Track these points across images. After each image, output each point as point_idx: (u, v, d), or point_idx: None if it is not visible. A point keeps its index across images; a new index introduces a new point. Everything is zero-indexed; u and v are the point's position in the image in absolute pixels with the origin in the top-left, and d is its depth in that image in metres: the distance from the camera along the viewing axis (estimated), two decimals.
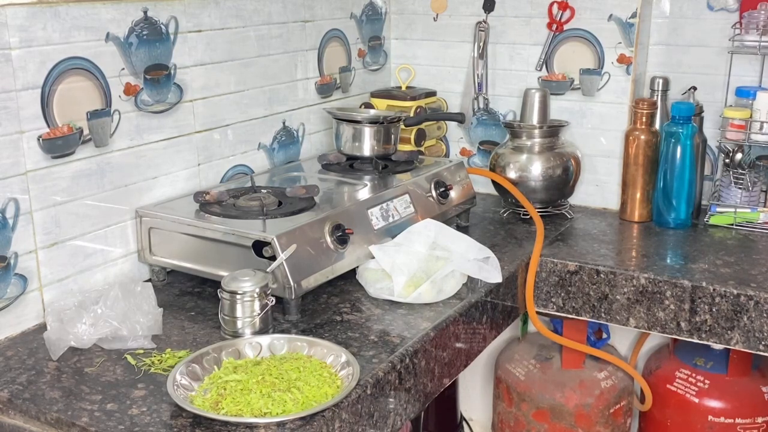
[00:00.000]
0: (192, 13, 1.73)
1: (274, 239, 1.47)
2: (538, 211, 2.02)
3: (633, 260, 1.84)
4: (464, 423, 2.51)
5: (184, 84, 1.74)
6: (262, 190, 1.74)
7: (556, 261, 1.84)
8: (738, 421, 2.02)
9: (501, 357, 2.31)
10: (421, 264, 1.61)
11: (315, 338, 1.38)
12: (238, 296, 1.40)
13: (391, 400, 1.35)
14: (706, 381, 2.05)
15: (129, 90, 1.61)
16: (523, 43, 2.24)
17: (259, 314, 1.41)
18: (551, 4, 2.17)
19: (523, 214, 2.10)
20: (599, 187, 2.23)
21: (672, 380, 2.10)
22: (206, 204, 1.64)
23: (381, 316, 1.52)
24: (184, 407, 1.18)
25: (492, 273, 1.67)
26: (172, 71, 1.71)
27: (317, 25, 2.11)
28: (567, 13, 2.16)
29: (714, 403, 2.03)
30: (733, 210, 2.02)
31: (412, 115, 2.19)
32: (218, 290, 1.43)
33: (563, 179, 2.08)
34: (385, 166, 1.95)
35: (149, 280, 1.67)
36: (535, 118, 2.10)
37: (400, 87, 2.34)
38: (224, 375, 1.25)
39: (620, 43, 2.11)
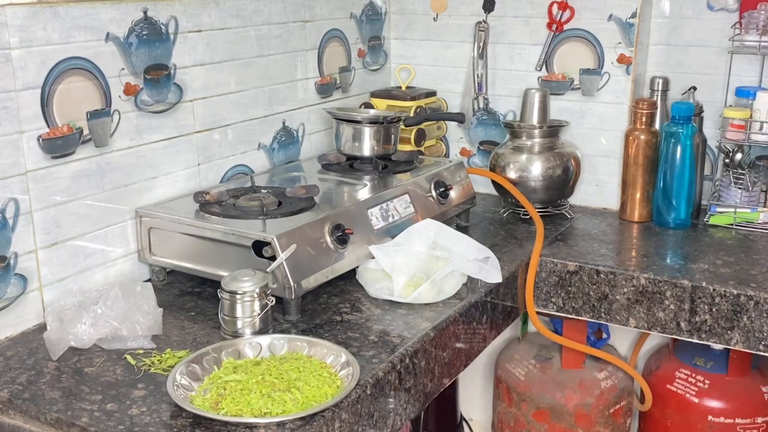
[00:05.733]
0: (192, 13, 1.73)
1: (274, 239, 1.47)
2: (538, 211, 2.02)
3: (633, 260, 1.84)
4: (464, 423, 2.51)
5: (184, 84, 1.74)
6: (262, 190, 1.74)
7: (556, 261, 1.84)
8: (738, 421, 2.02)
9: (501, 357, 2.31)
10: (421, 264, 1.61)
11: (315, 338, 1.38)
12: (238, 296, 1.40)
13: (391, 400, 1.35)
14: (706, 381, 2.05)
15: (129, 90, 1.61)
16: (523, 43, 2.24)
17: (259, 314, 1.41)
18: (551, 4, 2.17)
19: (523, 214, 2.10)
20: (599, 187, 2.23)
21: (672, 380, 2.10)
22: (206, 204, 1.64)
23: (381, 316, 1.52)
24: (184, 407, 1.18)
25: (492, 273, 1.67)
26: (172, 71, 1.71)
27: (317, 25, 2.11)
28: (567, 13, 2.16)
29: (714, 403, 2.03)
30: (733, 210, 2.02)
31: (412, 115, 2.19)
32: (218, 290, 1.43)
33: (563, 179, 2.08)
34: (385, 166, 1.95)
35: (149, 280, 1.67)
36: (535, 118, 2.10)
37: (400, 87, 2.35)
38: (224, 375, 1.25)
39: (620, 43, 2.11)
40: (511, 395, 2.21)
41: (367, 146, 1.95)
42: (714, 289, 1.69)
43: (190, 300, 1.60)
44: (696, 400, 2.05)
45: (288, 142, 2.07)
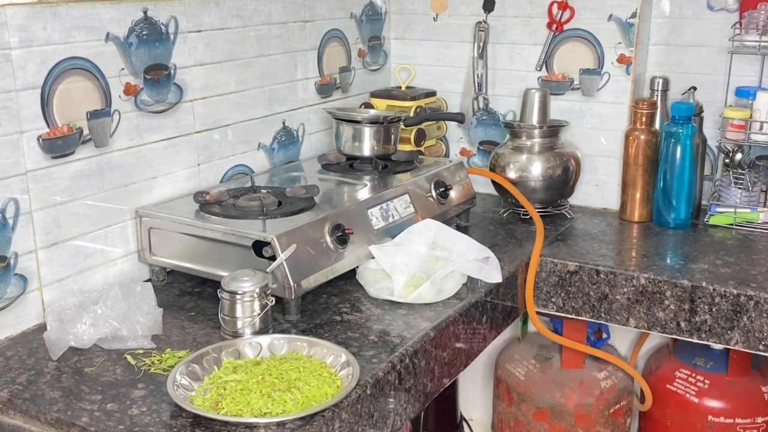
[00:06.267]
0: (192, 13, 1.73)
1: (274, 239, 1.47)
2: (538, 211, 2.02)
3: (633, 260, 1.84)
4: (464, 423, 2.51)
5: (184, 84, 1.74)
6: (262, 190, 1.74)
7: (556, 261, 1.84)
8: (738, 421, 2.02)
9: (501, 357, 2.31)
10: (421, 264, 1.61)
11: (315, 338, 1.38)
12: (238, 296, 1.40)
13: (391, 400, 1.35)
14: (706, 381, 2.05)
15: (129, 90, 1.61)
16: (523, 43, 2.24)
17: (259, 314, 1.41)
18: (551, 4, 2.17)
19: (523, 214, 2.10)
20: (599, 187, 2.23)
21: (672, 380, 2.10)
22: (206, 204, 1.64)
23: (381, 316, 1.52)
24: (184, 407, 1.18)
25: (492, 273, 1.67)
26: (172, 71, 1.71)
27: (317, 25, 2.11)
28: (567, 13, 2.16)
29: (714, 403, 2.03)
30: (733, 210, 2.02)
31: (412, 115, 2.19)
32: (218, 290, 1.43)
33: (563, 179, 2.08)
34: (385, 166, 1.95)
35: (149, 280, 1.67)
36: (535, 118, 2.10)
37: (400, 87, 2.35)
38: (224, 375, 1.25)
39: (620, 43, 2.11)
40: (511, 395, 2.21)
41: (367, 146, 1.95)
42: (714, 289, 1.69)
43: (190, 300, 1.60)
44: (696, 400, 2.05)
45: (288, 142, 2.07)
